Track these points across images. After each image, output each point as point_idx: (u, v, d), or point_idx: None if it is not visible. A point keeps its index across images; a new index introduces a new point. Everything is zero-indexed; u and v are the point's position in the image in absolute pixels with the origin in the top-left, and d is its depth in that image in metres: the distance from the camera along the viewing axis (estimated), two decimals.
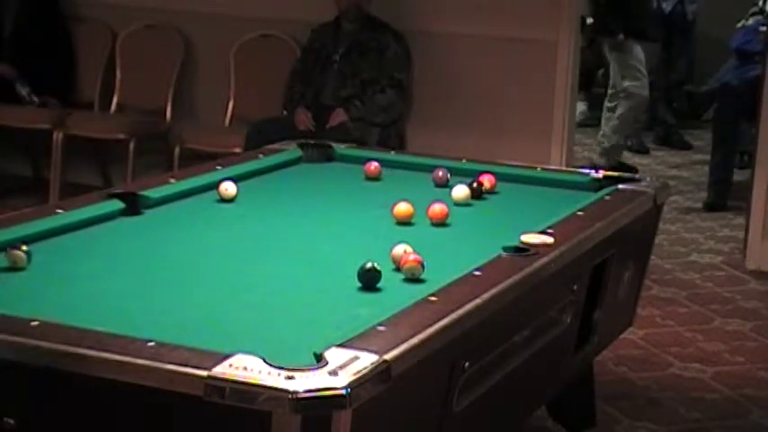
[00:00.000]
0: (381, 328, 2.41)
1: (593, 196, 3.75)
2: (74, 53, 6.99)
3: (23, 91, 6.73)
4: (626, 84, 7.81)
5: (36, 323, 2.35)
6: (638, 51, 7.84)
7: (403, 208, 3.43)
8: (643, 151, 8.69)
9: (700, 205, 7.25)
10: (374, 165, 4.05)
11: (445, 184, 3.89)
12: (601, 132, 7.94)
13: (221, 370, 2.13)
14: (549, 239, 3.13)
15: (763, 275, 5.89)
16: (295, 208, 3.67)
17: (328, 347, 2.26)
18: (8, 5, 6.90)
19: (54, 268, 2.90)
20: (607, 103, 8.03)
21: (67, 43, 6.97)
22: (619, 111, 7.84)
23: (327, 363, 2.19)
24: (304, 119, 5.97)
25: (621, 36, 7.68)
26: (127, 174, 6.50)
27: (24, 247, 2.86)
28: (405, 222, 3.40)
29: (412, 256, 2.88)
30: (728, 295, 5.61)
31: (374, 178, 4.03)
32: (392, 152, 4.59)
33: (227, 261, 3.07)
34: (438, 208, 3.44)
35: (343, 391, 2.10)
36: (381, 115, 5.97)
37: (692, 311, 5.37)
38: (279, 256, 3.15)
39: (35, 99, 6.75)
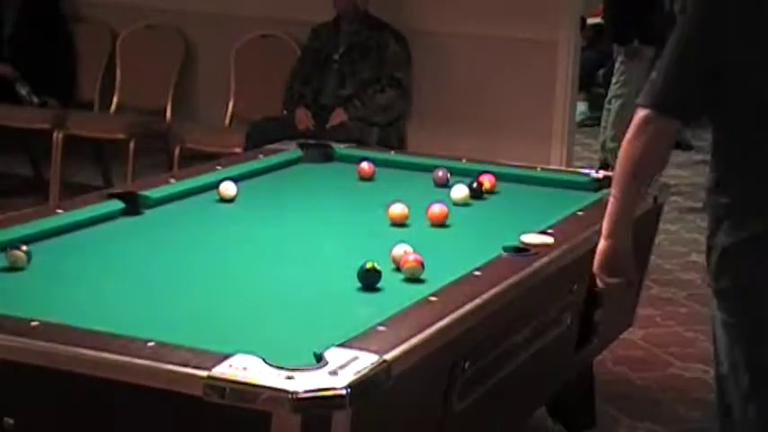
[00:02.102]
0: (381, 328, 2.41)
1: (593, 196, 3.75)
2: (74, 53, 6.99)
3: (23, 91, 6.73)
4: (632, 89, 7.78)
5: (36, 323, 2.35)
6: (650, 58, 7.82)
7: (397, 209, 3.42)
8: None
9: (700, 205, 7.25)
10: (367, 165, 4.05)
11: (445, 184, 3.89)
12: (610, 135, 7.85)
13: (221, 370, 2.13)
14: (549, 239, 3.13)
15: None
16: (295, 208, 3.67)
17: (328, 347, 2.26)
18: (8, 5, 6.91)
19: (54, 268, 2.90)
20: (608, 105, 8.00)
21: (67, 43, 6.97)
22: (625, 113, 7.81)
23: (327, 363, 2.19)
24: (304, 119, 5.97)
25: (636, 43, 7.64)
26: (127, 174, 6.49)
27: (24, 247, 2.86)
28: (399, 224, 3.40)
29: (412, 257, 2.88)
30: None
31: (368, 178, 4.03)
32: (392, 152, 4.60)
33: (227, 261, 3.07)
34: (438, 209, 3.44)
35: (343, 391, 2.10)
36: (381, 115, 5.96)
37: (692, 311, 5.37)
38: (279, 255, 3.15)
39: (35, 99, 6.74)
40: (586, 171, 4.26)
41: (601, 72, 9.67)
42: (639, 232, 3.81)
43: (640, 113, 2.54)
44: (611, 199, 2.66)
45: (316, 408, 2.10)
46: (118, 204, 3.41)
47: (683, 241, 6.50)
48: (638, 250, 3.89)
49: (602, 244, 2.70)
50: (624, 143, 2.58)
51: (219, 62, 6.68)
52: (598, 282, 2.73)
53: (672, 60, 2.52)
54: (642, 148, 2.55)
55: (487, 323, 2.67)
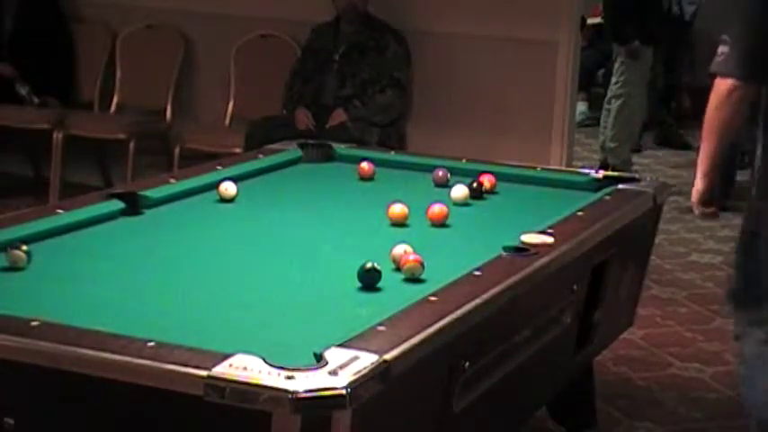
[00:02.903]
0: (381, 328, 2.41)
1: (593, 196, 3.75)
2: (74, 53, 6.99)
3: (23, 91, 6.73)
4: (632, 89, 7.80)
5: (36, 323, 2.35)
6: (650, 57, 7.85)
7: (397, 209, 3.42)
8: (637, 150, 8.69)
9: None
10: (367, 164, 4.04)
11: (445, 184, 3.89)
12: (610, 135, 7.87)
13: (221, 370, 2.13)
14: (549, 239, 3.13)
15: None
16: (295, 208, 3.67)
17: (328, 347, 2.26)
18: (8, 5, 6.90)
19: (54, 268, 2.90)
20: (607, 105, 8.01)
21: (68, 43, 6.97)
22: (624, 113, 7.83)
23: (327, 363, 2.19)
24: (304, 119, 5.97)
25: (637, 43, 7.66)
26: (127, 174, 6.50)
27: (24, 247, 2.86)
28: (399, 224, 3.40)
29: (412, 256, 2.88)
30: None
31: (368, 178, 4.03)
32: (392, 152, 4.60)
33: (227, 261, 3.07)
34: (438, 209, 3.44)
35: (343, 391, 2.10)
36: (381, 115, 5.97)
37: (692, 311, 5.37)
38: (279, 255, 3.15)
39: (35, 99, 6.74)
40: (586, 171, 4.26)
41: (601, 72, 9.67)
42: (639, 232, 3.83)
43: (725, 83, 3.07)
44: (704, 148, 3.20)
45: (316, 408, 2.10)
46: (118, 204, 3.41)
47: (683, 241, 6.51)
48: (637, 250, 3.91)
49: (699, 183, 3.26)
50: (711, 111, 3.11)
51: (219, 62, 6.68)
52: (696, 211, 3.36)
53: (744, 31, 3.05)
54: (729, 115, 3.09)
55: (487, 323, 2.67)
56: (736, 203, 6.85)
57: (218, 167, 3.95)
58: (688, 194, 7.40)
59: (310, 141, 4.48)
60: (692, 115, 9.45)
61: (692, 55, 9.41)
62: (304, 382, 2.10)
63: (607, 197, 3.73)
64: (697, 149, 3.38)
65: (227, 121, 6.66)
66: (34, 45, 6.83)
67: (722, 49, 3.11)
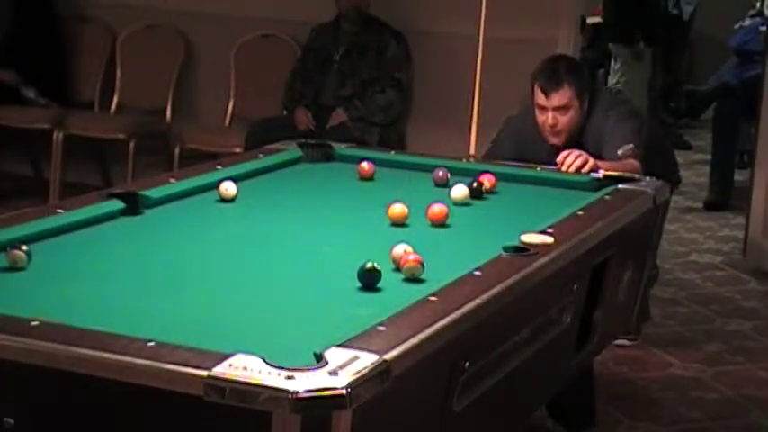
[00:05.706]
0: (381, 328, 2.41)
1: (593, 196, 3.75)
2: (69, 53, 6.98)
3: (31, 94, 6.73)
4: (632, 90, 7.82)
5: (36, 323, 2.35)
6: (649, 58, 7.87)
7: (397, 209, 3.42)
8: None
9: (700, 205, 7.25)
10: (367, 165, 4.04)
11: (445, 184, 3.89)
12: None
13: (221, 370, 2.13)
14: (549, 239, 3.13)
15: (763, 275, 5.89)
16: (295, 208, 3.67)
17: (328, 347, 2.26)
18: (2, 8, 6.89)
19: (54, 268, 2.90)
20: None
21: (63, 44, 6.96)
22: None
23: (327, 363, 2.19)
24: (304, 119, 5.97)
25: (642, 44, 7.67)
26: (127, 174, 6.50)
27: (24, 247, 2.86)
28: (399, 224, 3.40)
29: (412, 256, 2.88)
30: (728, 295, 5.61)
31: (368, 178, 4.03)
32: (392, 152, 4.60)
33: (227, 261, 3.07)
34: (438, 209, 3.44)
35: (343, 391, 2.10)
36: (381, 115, 5.97)
37: (692, 311, 5.37)
38: (279, 255, 3.15)
39: (41, 101, 6.74)
40: None
41: (601, 72, 9.67)
42: (639, 232, 3.83)
43: (637, 163, 4.27)
44: (610, 165, 4.16)
45: (316, 408, 2.10)
46: (118, 204, 3.41)
47: (683, 241, 6.51)
48: (637, 250, 3.91)
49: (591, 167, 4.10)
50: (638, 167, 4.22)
51: (219, 62, 6.69)
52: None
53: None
54: None
55: (487, 323, 2.67)
56: (738, 203, 6.87)
57: (218, 167, 3.95)
58: (688, 194, 7.48)
59: (310, 141, 4.48)
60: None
61: (689, 55, 9.43)
62: (304, 382, 2.10)
63: (607, 197, 3.73)
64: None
65: (227, 121, 6.67)
66: (30, 47, 6.82)
67: (631, 149, 4.30)
